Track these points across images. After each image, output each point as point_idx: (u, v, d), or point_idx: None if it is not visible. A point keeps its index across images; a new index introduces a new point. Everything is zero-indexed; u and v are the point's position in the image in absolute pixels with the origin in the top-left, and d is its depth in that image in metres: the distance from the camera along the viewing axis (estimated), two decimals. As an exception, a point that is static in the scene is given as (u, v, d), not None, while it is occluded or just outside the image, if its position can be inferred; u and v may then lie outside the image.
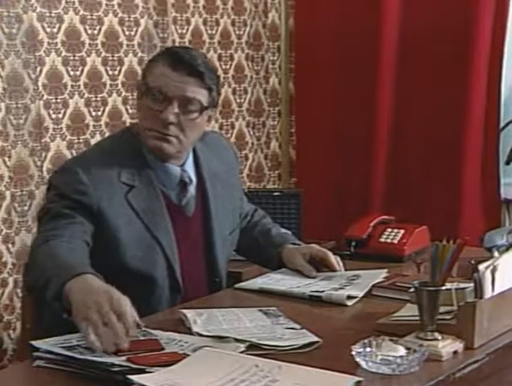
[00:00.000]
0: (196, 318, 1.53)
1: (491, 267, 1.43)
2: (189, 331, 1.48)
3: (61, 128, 2.53)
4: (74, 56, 2.54)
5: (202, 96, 1.70)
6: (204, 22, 2.96)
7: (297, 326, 1.50)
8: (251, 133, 3.15)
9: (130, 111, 2.72)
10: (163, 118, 1.66)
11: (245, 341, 1.40)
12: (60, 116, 2.52)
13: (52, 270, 1.45)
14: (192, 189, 1.77)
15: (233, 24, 3.06)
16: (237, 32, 3.08)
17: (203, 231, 1.79)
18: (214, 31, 3.00)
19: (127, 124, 2.71)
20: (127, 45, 2.69)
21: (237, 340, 1.40)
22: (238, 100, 3.08)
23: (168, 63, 1.67)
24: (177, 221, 1.73)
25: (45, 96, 2.47)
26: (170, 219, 1.71)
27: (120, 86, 2.68)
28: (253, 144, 3.16)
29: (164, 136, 1.68)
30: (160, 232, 1.69)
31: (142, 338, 1.40)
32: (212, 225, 1.79)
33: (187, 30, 2.91)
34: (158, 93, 1.66)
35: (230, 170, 1.88)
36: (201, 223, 1.78)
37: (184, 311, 1.56)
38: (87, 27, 2.57)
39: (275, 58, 3.22)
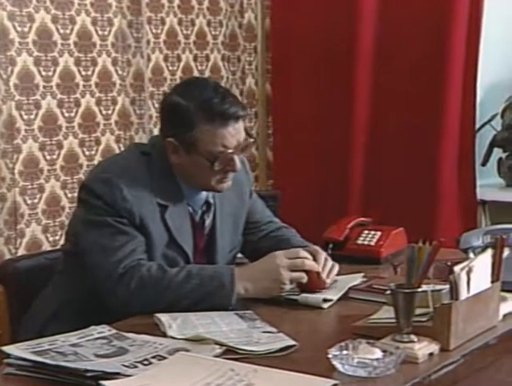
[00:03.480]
0: (171, 322, 1.53)
1: (466, 268, 1.45)
2: (164, 336, 1.48)
3: (33, 129, 2.51)
4: (46, 56, 2.53)
5: (245, 128, 1.78)
6: (180, 22, 2.96)
7: (273, 330, 1.51)
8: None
9: (104, 112, 2.71)
10: (230, 170, 1.75)
11: (222, 345, 1.41)
12: (32, 117, 2.50)
13: (208, 283, 1.64)
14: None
15: (208, 24, 3.06)
16: (213, 32, 3.09)
17: (207, 247, 1.84)
18: (189, 31, 3.00)
19: (101, 124, 2.71)
20: (100, 45, 2.68)
21: (214, 342, 1.41)
22: (214, 101, 3.08)
23: (219, 124, 1.70)
24: (197, 238, 1.81)
25: (17, 97, 2.46)
26: (193, 237, 1.79)
27: (93, 87, 2.67)
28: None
29: (229, 178, 1.77)
30: (185, 246, 1.77)
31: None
32: (216, 244, 1.84)
33: (162, 30, 2.90)
34: (222, 157, 1.71)
35: (237, 188, 1.90)
36: (207, 241, 1.84)
37: (158, 315, 1.57)
38: (59, 27, 2.55)
39: (252, 58, 3.23)
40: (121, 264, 1.66)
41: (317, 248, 1.83)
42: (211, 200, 1.83)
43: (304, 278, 1.70)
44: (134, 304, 1.65)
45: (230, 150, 1.72)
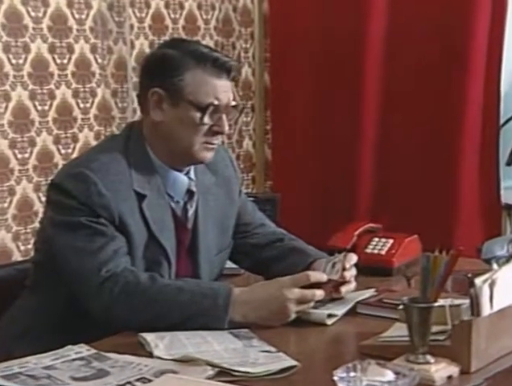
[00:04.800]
0: (158, 341, 1.53)
1: (489, 281, 1.45)
2: (149, 356, 1.48)
3: (2, 124, 2.51)
4: (16, 42, 2.53)
5: (233, 94, 1.83)
6: (167, 5, 2.96)
7: (272, 349, 1.51)
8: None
9: (82, 105, 2.71)
10: (218, 131, 1.76)
11: (215, 366, 1.40)
12: (1, 110, 2.51)
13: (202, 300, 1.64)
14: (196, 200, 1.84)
15: (199, 7, 3.06)
16: (204, 16, 3.09)
17: (189, 248, 1.84)
18: (178, 15, 3.00)
19: (78, 119, 2.71)
20: (77, 30, 2.68)
21: (205, 362, 1.41)
22: (206, 93, 3.09)
23: (212, 72, 1.74)
24: (179, 235, 1.81)
25: (-17, 89, 2.46)
26: (175, 233, 1.79)
27: (70, 76, 2.67)
28: (223, 143, 3.16)
29: (213, 145, 1.79)
30: (167, 243, 1.77)
31: None
32: (199, 244, 1.84)
33: (147, 13, 2.91)
34: (212, 108, 1.74)
35: (224, 185, 1.91)
36: (191, 239, 1.84)
37: (143, 334, 1.57)
38: (30, 9, 2.55)
39: (248, 46, 3.24)
40: (103, 267, 1.66)
41: (353, 254, 1.82)
42: (193, 188, 1.83)
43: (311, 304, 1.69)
44: (115, 312, 1.64)
45: (220, 103, 1.74)
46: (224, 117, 1.76)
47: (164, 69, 1.76)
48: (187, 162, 1.81)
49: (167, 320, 1.63)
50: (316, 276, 1.70)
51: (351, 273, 1.78)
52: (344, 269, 1.75)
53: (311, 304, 1.68)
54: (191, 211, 1.83)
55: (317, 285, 1.69)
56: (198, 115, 1.74)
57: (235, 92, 1.87)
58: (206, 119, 1.74)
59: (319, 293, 1.68)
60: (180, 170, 1.81)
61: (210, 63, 1.74)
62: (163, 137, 1.77)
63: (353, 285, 1.78)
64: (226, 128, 1.77)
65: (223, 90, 1.75)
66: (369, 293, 1.82)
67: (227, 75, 1.76)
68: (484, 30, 2.79)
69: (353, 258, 1.80)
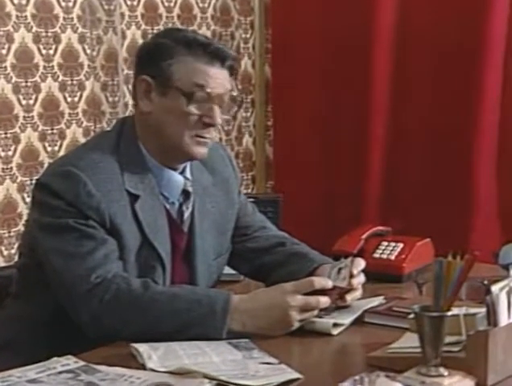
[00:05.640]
0: (151, 352, 1.53)
1: (507, 288, 1.45)
2: (142, 368, 1.49)
3: (-16, 120, 2.52)
4: (-2, 32, 2.53)
5: (232, 86, 1.79)
6: (161, -8, 2.97)
7: (274, 361, 1.51)
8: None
9: (69, 100, 2.72)
10: (208, 122, 1.76)
11: (212, 378, 1.41)
12: (-17, 105, 2.51)
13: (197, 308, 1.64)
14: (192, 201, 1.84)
15: (195, -6, 3.07)
16: (201, 5, 3.09)
17: (185, 252, 1.84)
18: (172, 3, 3.00)
19: (65, 115, 2.71)
20: (64, 18, 2.68)
21: (202, 375, 1.41)
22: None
23: (203, 58, 1.74)
24: (174, 238, 1.81)
25: (-37, 81, 2.47)
26: (169, 236, 1.79)
27: (56, 68, 2.68)
28: (221, 140, 3.17)
29: (205, 140, 1.78)
30: (161, 247, 1.77)
31: None
32: (195, 248, 1.85)
33: (139, 1, 2.91)
34: (201, 96, 1.73)
35: (223, 185, 1.92)
36: (188, 242, 1.84)
37: (136, 345, 1.57)
38: (13, -4, 2.56)
39: (248, 36, 3.24)
40: (93, 273, 1.66)
41: (360, 259, 1.82)
42: (189, 188, 1.83)
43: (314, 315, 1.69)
44: (105, 321, 1.65)
45: (212, 91, 1.73)
46: (215, 107, 1.75)
47: (154, 56, 1.77)
48: (179, 159, 1.81)
49: (160, 329, 1.63)
50: (321, 282, 1.70)
51: (359, 280, 1.78)
52: (351, 276, 1.75)
53: (315, 312, 1.69)
54: (187, 213, 1.83)
55: (322, 293, 1.70)
56: (184, 101, 1.73)
57: (234, 86, 1.85)
58: (193, 107, 1.73)
59: (324, 301, 1.68)
60: (175, 169, 1.81)
61: (201, 49, 1.74)
62: (152, 131, 1.78)
63: (359, 291, 1.78)
64: (218, 120, 1.76)
65: (215, 78, 1.74)
66: (377, 300, 1.82)
67: (221, 63, 1.75)
68: (502, 22, 2.79)
69: (361, 263, 1.80)
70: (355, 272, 1.76)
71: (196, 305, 1.65)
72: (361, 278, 1.79)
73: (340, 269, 1.77)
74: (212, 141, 1.81)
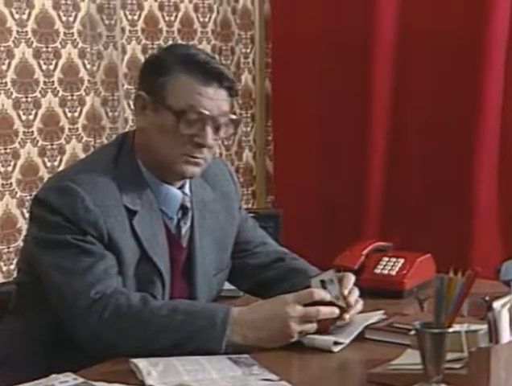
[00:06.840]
0: (151, 368, 1.53)
1: (509, 304, 1.44)
2: (142, 384, 1.48)
3: (-17, 135, 2.52)
4: (-1, 47, 2.54)
5: (229, 107, 1.78)
6: (161, 7, 2.98)
7: (274, 377, 1.51)
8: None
9: (69, 115, 2.72)
10: (199, 142, 1.74)
11: (211, 396, 1.41)
12: (-18, 120, 2.51)
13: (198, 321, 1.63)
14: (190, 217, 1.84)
15: (195, 9, 3.08)
16: (201, 19, 3.10)
17: (185, 268, 1.84)
18: (173, 18, 3.01)
19: (65, 130, 2.71)
20: (65, 33, 2.69)
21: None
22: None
23: (199, 77, 1.72)
24: (173, 253, 1.81)
25: (-36, 96, 2.47)
26: (168, 251, 1.79)
27: (56, 84, 2.68)
28: (221, 155, 3.17)
29: (197, 160, 1.76)
30: (160, 262, 1.77)
31: None
32: (195, 264, 1.84)
33: (140, 16, 2.92)
34: (192, 115, 1.72)
35: (223, 200, 1.91)
36: (187, 257, 1.84)
37: (135, 361, 1.56)
38: (13, 11, 2.56)
39: (248, 50, 3.25)
40: (92, 289, 1.66)
41: (349, 274, 1.81)
42: (187, 204, 1.82)
43: (315, 327, 1.68)
44: (105, 337, 1.64)
45: (204, 111, 1.71)
46: (208, 128, 1.73)
47: (153, 72, 1.77)
48: (173, 176, 1.80)
49: (160, 343, 1.62)
50: (321, 294, 1.70)
51: (354, 297, 1.76)
52: (344, 297, 1.73)
53: (315, 325, 1.68)
54: (184, 229, 1.83)
55: (321, 305, 1.69)
56: (174, 119, 1.72)
57: (233, 106, 1.84)
58: (183, 126, 1.72)
59: (324, 311, 1.67)
60: (173, 184, 1.81)
61: (199, 68, 1.73)
62: (147, 147, 1.77)
63: (359, 305, 1.77)
64: (210, 141, 1.74)
65: (209, 98, 1.72)
66: (377, 315, 1.81)
67: (218, 83, 1.73)
68: (503, 22, 2.79)
69: (351, 279, 1.78)
70: (346, 292, 1.74)
71: (196, 317, 1.65)
72: (356, 293, 1.78)
73: (322, 282, 1.75)
74: (205, 161, 1.78)
